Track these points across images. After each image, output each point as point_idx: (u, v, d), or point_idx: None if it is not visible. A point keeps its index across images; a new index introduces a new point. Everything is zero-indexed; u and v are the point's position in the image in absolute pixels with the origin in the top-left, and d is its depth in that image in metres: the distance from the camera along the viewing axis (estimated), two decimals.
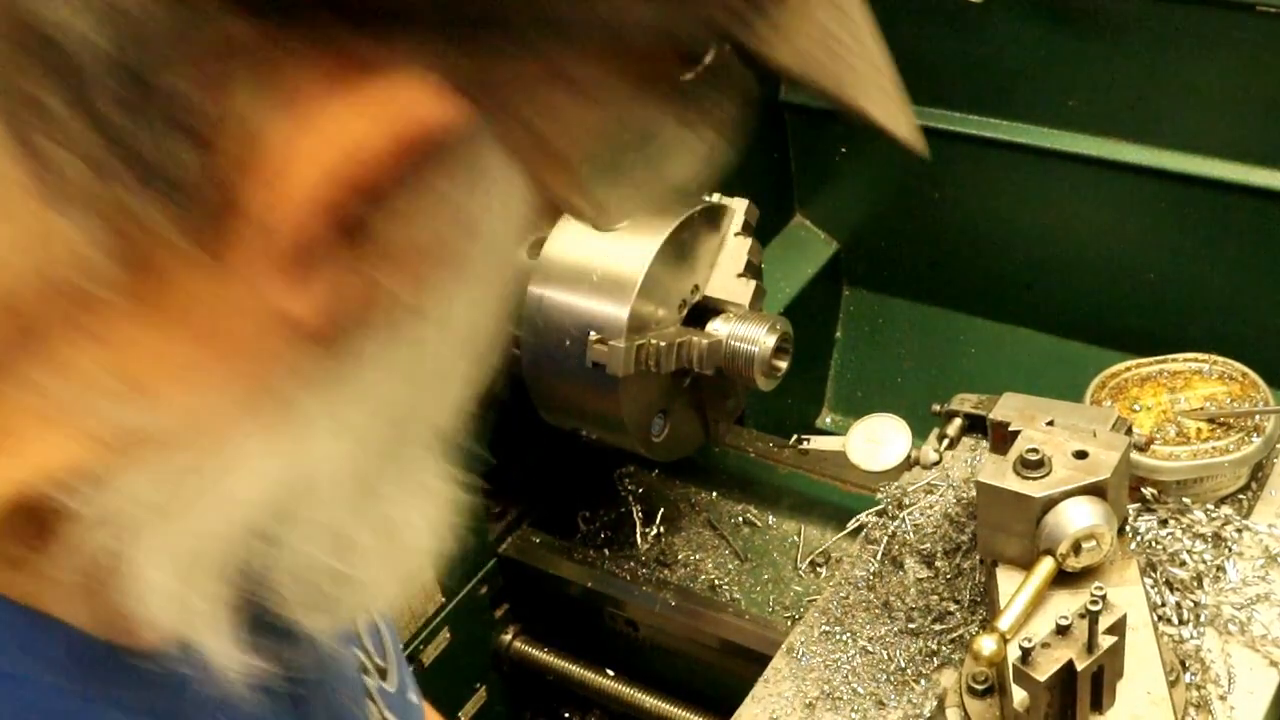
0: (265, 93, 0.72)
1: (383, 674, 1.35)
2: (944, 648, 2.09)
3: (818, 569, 2.61)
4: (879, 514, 2.31)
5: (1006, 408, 2.09)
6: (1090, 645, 1.72)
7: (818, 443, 2.56)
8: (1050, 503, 1.87)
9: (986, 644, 1.73)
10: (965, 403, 2.17)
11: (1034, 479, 1.88)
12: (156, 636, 0.97)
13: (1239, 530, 2.12)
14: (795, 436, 2.69)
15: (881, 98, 0.87)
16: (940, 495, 2.28)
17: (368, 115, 0.73)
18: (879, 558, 2.24)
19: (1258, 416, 2.17)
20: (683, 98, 0.85)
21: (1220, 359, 2.29)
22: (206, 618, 0.89)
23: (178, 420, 0.83)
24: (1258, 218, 2.84)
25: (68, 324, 0.80)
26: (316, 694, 1.15)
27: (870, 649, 2.12)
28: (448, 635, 2.62)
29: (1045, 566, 1.85)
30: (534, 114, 0.79)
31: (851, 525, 2.41)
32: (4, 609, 0.90)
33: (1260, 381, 2.24)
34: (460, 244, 0.82)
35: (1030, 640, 1.71)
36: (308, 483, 0.87)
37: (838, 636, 2.16)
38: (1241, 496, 2.21)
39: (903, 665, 2.08)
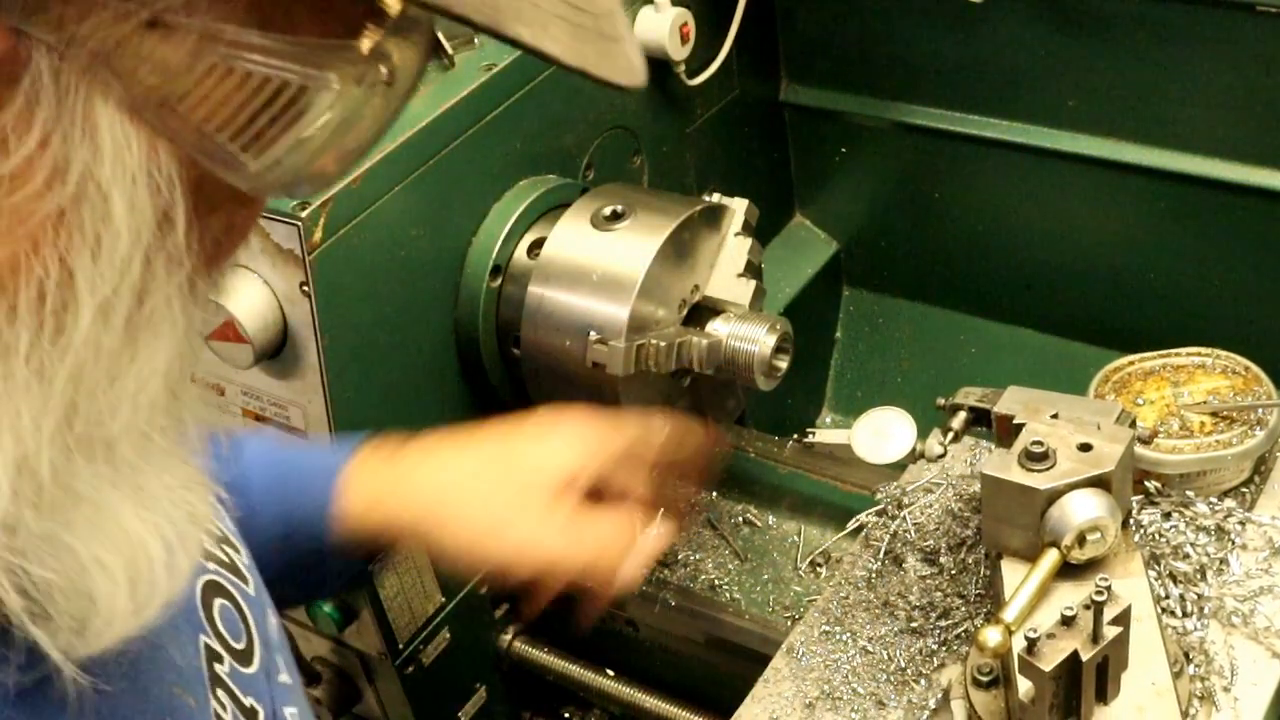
0: None
1: (241, 657, 1.31)
2: (944, 648, 2.08)
3: (818, 569, 2.60)
4: (879, 514, 2.31)
5: (1011, 401, 2.09)
6: (1095, 636, 1.72)
7: (823, 435, 2.56)
8: (1055, 495, 1.87)
9: (991, 635, 1.73)
10: (970, 396, 2.17)
11: (1038, 471, 1.88)
12: None
13: (1242, 523, 2.12)
14: (803, 430, 2.68)
15: (544, 20, 0.84)
16: (939, 494, 2.28)
17: None
18: (879, 557, 2.24)
19: (1261, 410, 2.18)
20: (323, 42, 0.83)
21: (1223, 353, 2.29)
22: None
23: None
24: (1258, 218, 2.84)
25: None
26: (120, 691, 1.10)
27: (870, 649, 2.12)
28: (448, 635, 2.61)
29: (1050, 558, 1.85)
30: (111, 48, 0.76)
31: (851, 525, 2.41)
32: None
33: (1263, 375, 2.24)
34: (59, 196, 0.79)
35: (1035, 631, 1.71)
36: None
37: (838, 636, 2.16)
38: (1245, 490, 2.21)
39: (903, 665, 2.08)
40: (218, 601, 1.30)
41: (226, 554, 1.35)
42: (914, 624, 2.12)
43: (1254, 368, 2.26)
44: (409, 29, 0.86)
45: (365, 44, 0.84)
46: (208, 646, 1.27)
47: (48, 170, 0.78)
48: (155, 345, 0.88)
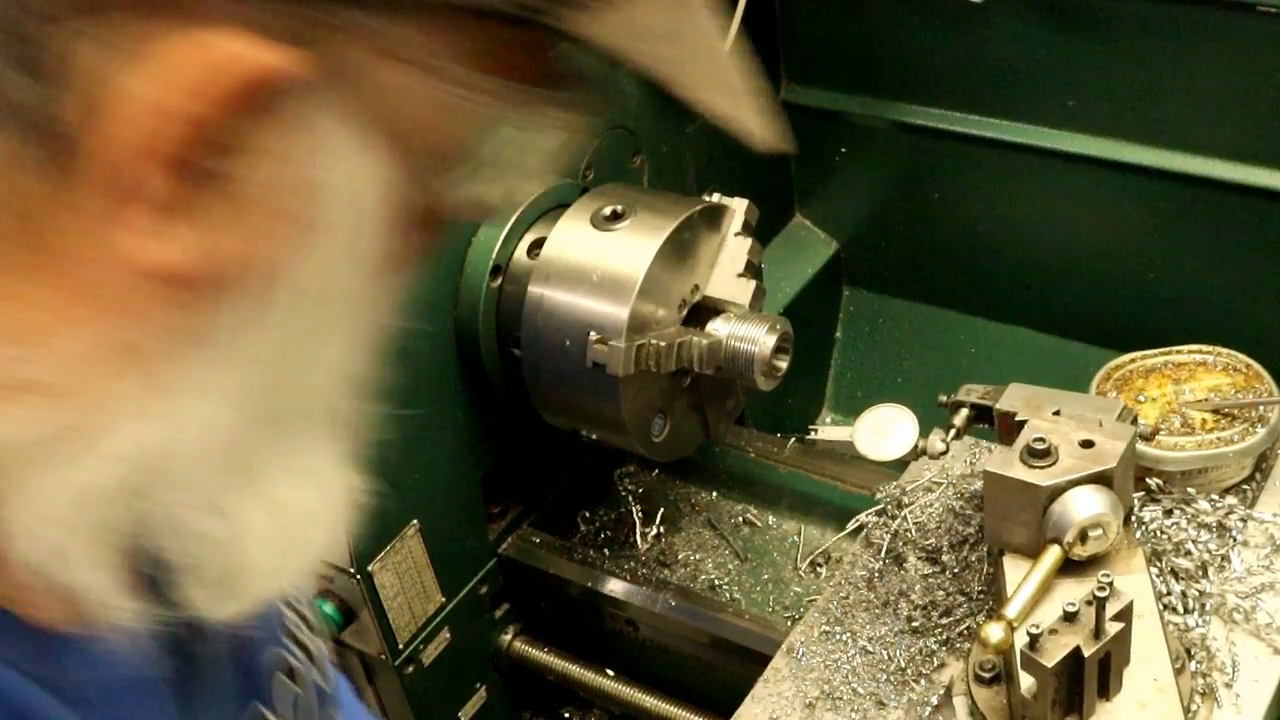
0: (102, 38, 0.76)
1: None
2: (944, 647, 2.09)
3: (818, 569, 2.61)
4: (879, 513, 2.31)
5: (1013, 398, 2.10)
6: (1097, 632, 1.72)
7: (825, 433, 2.55)
8: (1056, 491, 1.88)
9: (994, 631, 1.73)
10: (972, 393, 2.17)
11: (1040, 468, 1.89)
12: (44, 611, 0.99)
13: (1243, 520, 2.13)
14: (805, 429, 2.68)
15: (717, 85, 0.91)
16: (940, 493, 2.28)
17: (191, 58, 0.77)
18: (880, 557, 2.24)
19: (1262, 407, 2.18)
20: (531, 86, 0.89)
21: (1224, 350, 2.29)
22: (83, 562, 0.91)
23: (53, 373, 0.86)
24: (1258, 217, 2.85)
25: None
26: (254, 643, 1.20)
27: (870, 649, 2.12)
28: (448, 635, 2.61)
29: (1052, 555, 1.86)
30: (370, 85, 0.82)
31: (851, 525, 2.41)
32: None
33: (1264, 373, 2.24)
34: (307, 205, 0.85)
35: (1038, 627, 1.72)
36: (179, 444, 0.89)
37: (838, 636, 2.16)
38: (1246, 487, 2.21)
39: (903, 665, 2.08)
40: (280, 676, 1.33)
41: (317, 647, 1.39)
42: (914, 624, 2.12)
43: (1255, 365, 2.26)
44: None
45: (577, 85, 0.91)
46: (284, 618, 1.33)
47: (299, 179, 0.83)
48: (347, 336, 0.95)
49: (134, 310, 0.85)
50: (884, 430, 2.40)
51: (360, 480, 1.04)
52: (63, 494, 0.89)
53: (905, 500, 2.29)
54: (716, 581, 2.64)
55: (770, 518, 2.74)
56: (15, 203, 0.82)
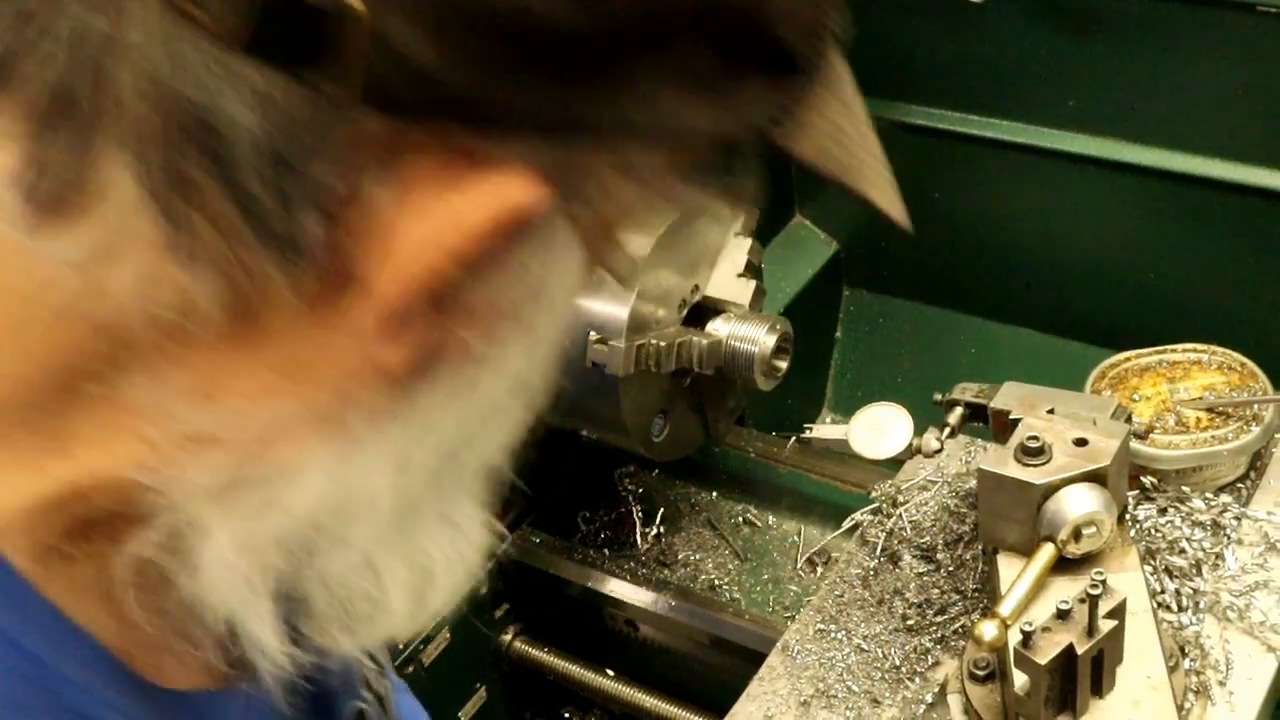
0: (388, 177, 0.80)
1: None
2: (939, 645, 2.09)
3: (815, 567, 2.61)
4: (874, 512, 2.32)
5: (1007, 396, 2.10)
6: (1090, 629, 1.73)
7: (820, 431, 2.56)
8: (1050, 489, 1.88)
9: (988, 629, 1.73)
10: (966, 392, 2.17)
11: (1034, 466, 1.89)
12: (173, 672, 1.04)
13: (1238, 518, 2.13)
14: (801, 427, 2.68)
15: (881, 183, 0.99)
16: (935, 491, 2.28)
17: (473, 201, 0.82)
18: (875, 555, 2.25)
19: (1256, 405, 2.18)
20: (716, 179, 0.94)
21: (1219, 349, 2.29)
22: (260, 611, 0.95)
23: (246, 431, 0.89)
24: (1258, 217, 2.85)
25: (161, 349, 0.86)
26: (336, 695, 1.24)
27: (865, 647, 2.13)
28: (448, 635, 2.62)
29: (1046, 553, 1.86)
30: (599, 196, 0.87)
31: (847, 524, 2.40)
32: (43, 605, 0.95)
33: (1259, 371, 2.24)
34: (529, 306, 0.90)
35: (1031, 625, 1.72)
36: (352, 504, 0.94)
37: (832, 635, 2.16)
38: (1240, 485, 2.21)
39: (897, 663, 2.08)
40: None
41: (385, 688, 1.42)
42: (909, 622, 2.13)
43: (1250, 364, 2.26)
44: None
45: (745, 184, 0.96)
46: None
47: (530, 285, 0.89)
48: (521, 410, 0.98)
49: (344, 392, 0.89)
50: (879, 429, 2.40)
51: (493, 532, 1.08)
52: (240, 537, 0.93)
53: (900, 499, 2.29)
54: (716, 581, 2.64)
55: (770, 518, 2.74)
56: (244, 303, 0.84)
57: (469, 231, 0.82)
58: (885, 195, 0.99)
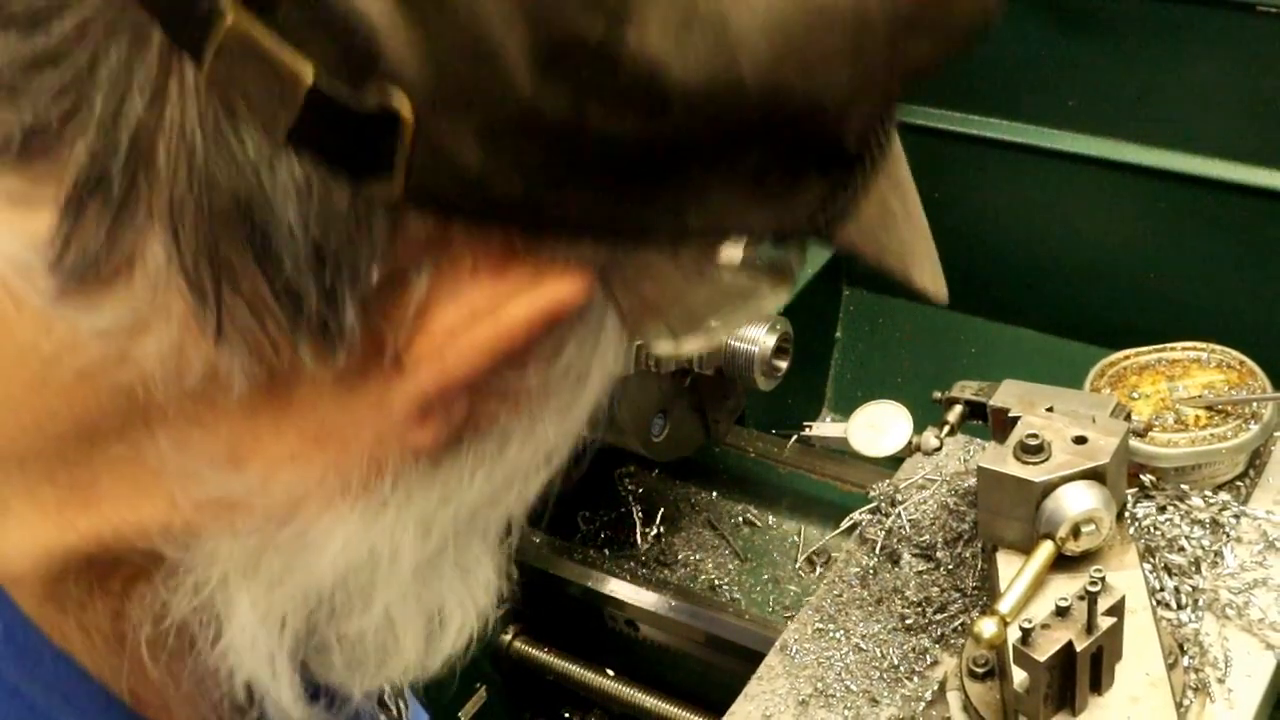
0: (432, 270, 0.80)
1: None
2: (938, 644, 2.09)
3: (816, 568, 2.61)
4: (872, 511, 2.32)
5: (1007, 394, 2.10)
6: (1089, 626, 1.73)
7: (820, 429, 2.56)
8: (1049, 487, 1.88)
9: (987, 626, 1.73)
10: (966, 390, 2.17)
11: (1034, 464, 1.89)
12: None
13: (1237, 516, 2.13)
14: (801, 425, 2.69)
15: (923, 261, 0.98)
16: (934, 490, 2.28)
17: (516, 296, 0.81)
18: (874, 554, 2.25)
19: (1255, 404, 2.18)
20: (763, 264, 0.94)
21: (1218, 348, 2.30)
22: (281, 673, 0.96)
23: (272, 497, 0.89)
24: (1258, 218, 2.85)
25: (187, 415, 0.86)
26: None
27: (863, 646, 2.13)
28: None
29: (1045, 550, 1.86)
30: (647, 285, 0.87)
31: (845, 524, 2.40)
32: (51, 654, 0.95)
33: (1258, 369, 2.25)
34: (566, 385, 0.89)
35: (1030, 622, 1.72)
36: (375, 567, 0.94)
37: (831, 634, 2.16)
38: (1239, 483, 2.22)
39: (896, 663, 2.09)
40: None
41: (398, 707, 1.43)
42: (908, 621, 2.13)
43: (1249, 362, 2.27)
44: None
45: (789, 258, 0.96)
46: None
47: (565, 366, 0.88)
48: (550, 471, 0.99)
49: (375, 463, 0.89)
50: (878, 427, 2.40)
51: (503, 581, 1.09)
52: (267, 609, 0.93)
53: (899, 497, 2.29)
54: (716, 581, 2.64)
55: (770, 518, 2.74)
56: (274, 377, 0.84)
57: (510, 327, 0.81)
58: (927, 274, 0.98)
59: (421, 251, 0.79)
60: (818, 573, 2.57)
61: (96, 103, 0.77)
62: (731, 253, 0.89)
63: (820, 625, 2.17)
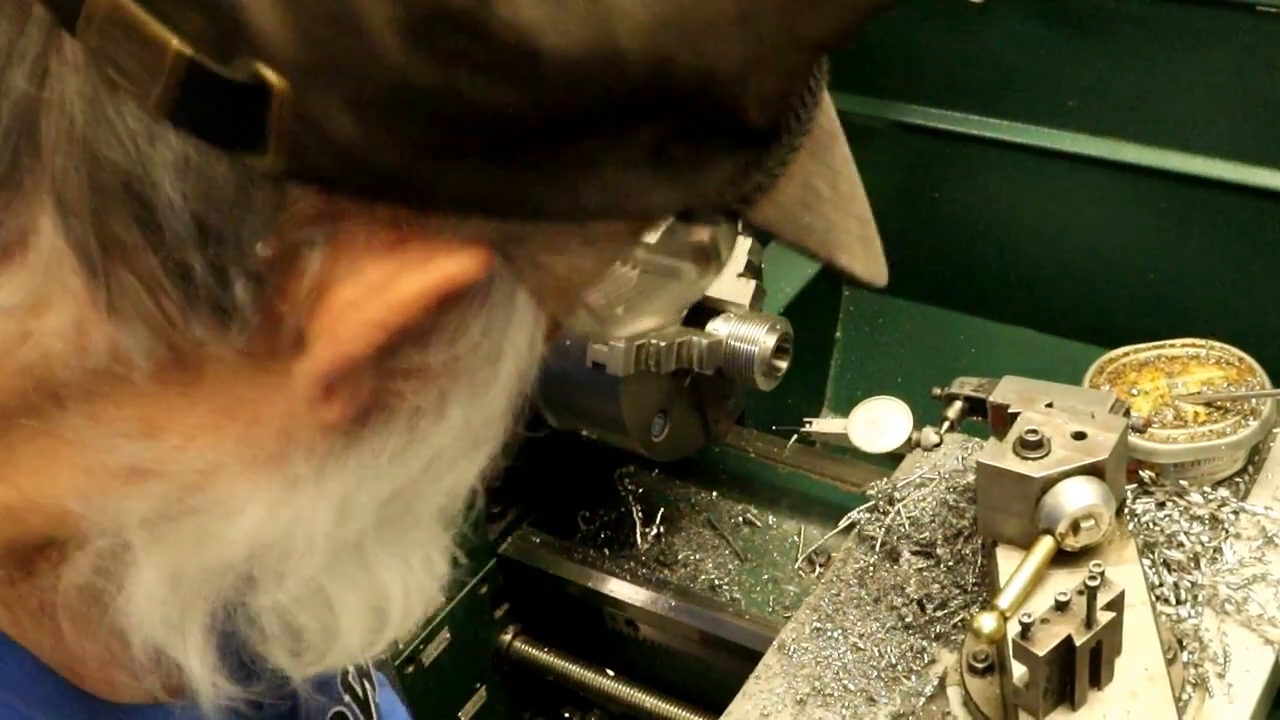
0: (326, 248, 0.79)
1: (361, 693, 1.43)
2: (936, 642, 2.10)
3: (816, 568, 2.61)
4: (871, 509, 2.32)
5: (1006, 390, 2.11)
6: (1089, 621, 1.73)
7: (820, 425, 2.57)
8: (1049, 483, 1.88)
9: (986, 621, 1.74)
10: (965, 386, 2.18)
11: (1033, 459, 1.89)
12: (120, 686, 1.05)
13: (1235, 512, 2.14)
14: (801, 421, 2.69)
15: (853, 244, 0.96)
16: (933, 487, 2.28)
17: (413, 275, 0.80)
18: (872, 553, 2.25)
19: (1254, 400, 2.19)
20: (683, 242, 0.94)
21: (1217, 344, 2.30)
22: (190, 640, 0.96)
23: (184, 465, 0.89)
24: (1256, 217, 2.86)
25: (95, 392, 0.87)
26: (310, 700, 1.24)
27: (861, 645, 2.13)
28: (448, 635, 2.62)
29: (1044, 545, 1.86)
30: (555, 262, 0.86)
31: (844, 523, 2.40)
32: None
33: (1256, 366, 2.25)
34: (473, 363, 0.88)
35: (1030, 616, 1.72)
36: (290, 541, 0.93)
37: (829, 633, 2.16)
38: (1238, 479, 2.22)
39: (893, 662, 2.09)
40: None
41: (364, 688, 1.43)
42: (905, 620, 2.13)
43: (1248, 359, 2.27)
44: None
45: (713, 241, 0.96)
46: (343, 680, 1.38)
47: (471, 343, 0.87)
48: (483, 454, 0.97)
49: (285, 436, 0.89)
50: (878, 423, 2.40)
51: (448, 567, 1.08)
52: (174, 568, 0.93)
53: (897, 495, 2.29)
54: (716, 581, 2.65)
55: (770, 517, 2.74)
56: (178, 354, 0.85)
57: (403, 303, 0.81)
58: (857, 257, 0.96)
59: (311, 227, 0.79)
60: (817, 572, 2.57)
61: None
62: (645, 233, 0.89)
63: (818, 625, 2.18)
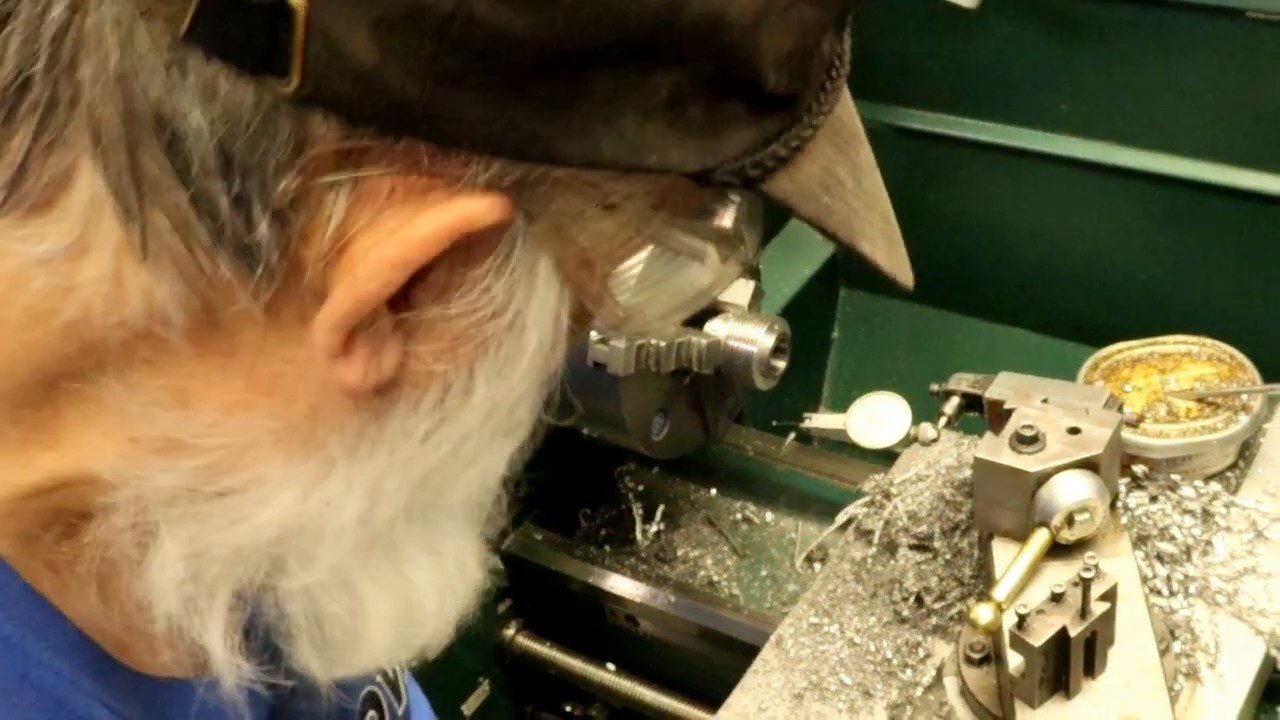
0: (344, 185, 0.81)
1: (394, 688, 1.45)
2: (932, 635, 2.11)
3: (814, 564, 2.62)
4: (868, 505, 2.33)
5: (1002, 386, 2.12)
6: (1084, 612, 1.75)
7: (818, 420, 2.58)
8: (1044, 477, 1.89)
9: (983, 613, 1.75)
10: (962, 382, 2.19)
11: (1029, 454, 1.91)
12: (153, 658, 1.06)
13: (1227, 506, 2.15)
14: (800, 417, 2.70)
15: (875, 238, 0.97)
16: (929, 482, 2.30)
17: (425, 213, 0.82)
18: (872, 544, 2.26)
19: (1245, 396, 2.21)
20: (704, 220, 0.96)
21: (1210, 341, 2.32)
22: (212, 619, 0.97)
23: (216, 439, 0.91)
24: (1248, 220, 2.87)
25: (133, 351, 0.89)
26: (299, 704, 1.24)
27: (858, 640, 2.14)
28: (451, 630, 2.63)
29: (1040, 538, 1.88)
30: (571, 223, 0.87)
31: (841, 518, 2.41)
32: (21, 590, 0.98)
33: (1248, 362, 2.27)
34: (495, 331, 0.89)
35: (1026, 608, 1.74)
36: (321, 524, 0.95)
37: (825, 628, 2.18)
38: (1229, 474, 2.24)
39: (889, 656, 2.10)
40: (370, 714, 1.38)
41: (393, 669, 1.44)
42: (902, 615, 2.15)
43: (1239, 355, 2.28)
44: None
45: (736, 226, 0.99)
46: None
47: (494, 307, 0.88)
48: (511, 442, 1.00)
49: (313, 409, 0.91)
50: (876, 418, 2.42)
51: (485, 566, 1.10)
52: (200, 544, 0.95)
53: (893, 491, 2.30)
54: (715, 577, 2.66)
55: (769, 515, 2.75)
56: (212, 311, 0.87)
57: (421, 240, 0.82)
58: (880, 250, 0.97)
59: (333, 172, 0.81)
60: (816, 569, 2.58)
61: (20, 13, 0.80)
62: (665, 205, 0.91)
63: (815, 620, 2.19)
